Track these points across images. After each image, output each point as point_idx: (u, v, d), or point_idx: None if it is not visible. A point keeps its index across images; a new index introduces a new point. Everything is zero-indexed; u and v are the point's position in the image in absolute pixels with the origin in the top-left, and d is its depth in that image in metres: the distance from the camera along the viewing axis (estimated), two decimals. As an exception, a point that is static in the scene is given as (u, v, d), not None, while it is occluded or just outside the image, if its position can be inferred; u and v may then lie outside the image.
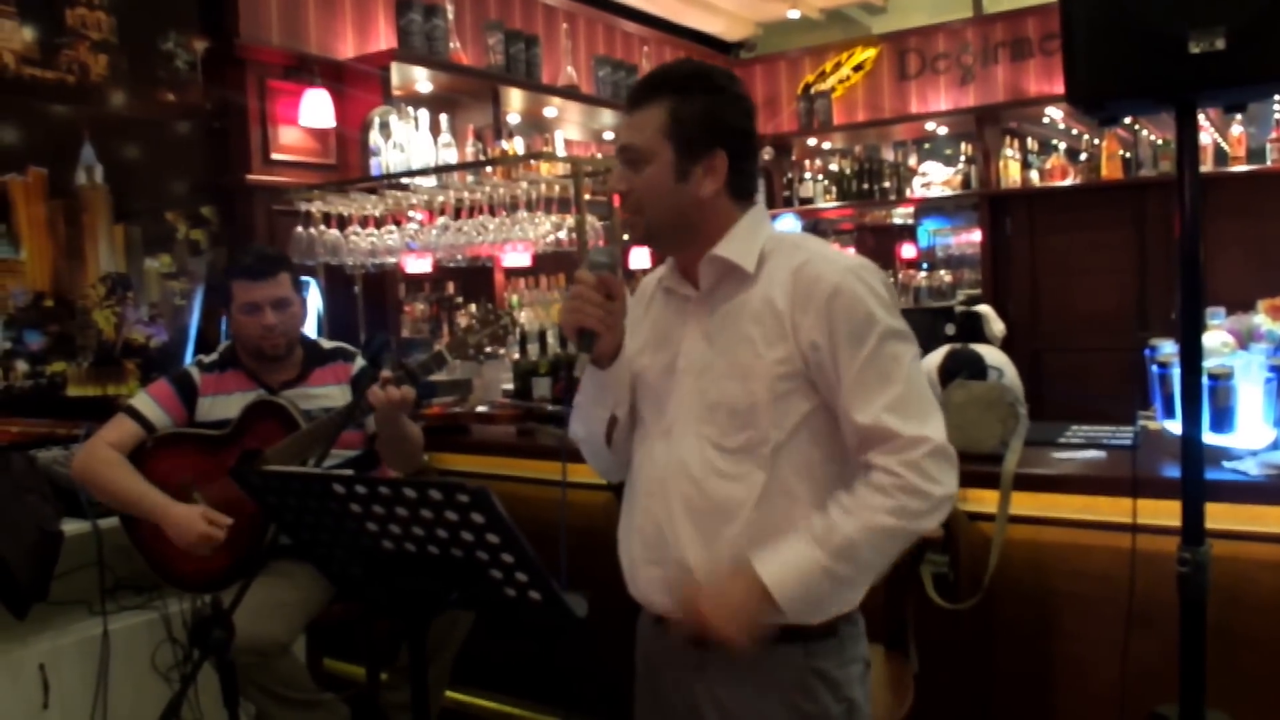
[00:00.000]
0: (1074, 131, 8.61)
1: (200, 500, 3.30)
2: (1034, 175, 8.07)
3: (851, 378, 1.93)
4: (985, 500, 3.16)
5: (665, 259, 2.23)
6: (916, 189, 8.60)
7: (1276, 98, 6.72)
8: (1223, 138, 7.32)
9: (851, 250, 9.55)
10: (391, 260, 5.18)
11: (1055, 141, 8.56)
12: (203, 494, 3.32)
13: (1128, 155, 7.63)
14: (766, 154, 9.11)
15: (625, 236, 2.23)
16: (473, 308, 5.95)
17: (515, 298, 6.16)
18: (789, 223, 8.61)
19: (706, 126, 2.02)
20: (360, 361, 3.62)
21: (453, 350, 3.34)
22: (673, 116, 2.02)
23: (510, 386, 4.51)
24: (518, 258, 5.05)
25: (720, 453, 2.00)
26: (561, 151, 6.85)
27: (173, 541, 3.24)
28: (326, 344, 3.67)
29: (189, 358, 4.95)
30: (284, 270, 3.50)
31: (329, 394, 3.53)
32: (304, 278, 4.17)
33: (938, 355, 5.62)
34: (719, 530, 1.98)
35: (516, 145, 6.17)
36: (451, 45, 6.22)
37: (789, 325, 1.96)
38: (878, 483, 1.89)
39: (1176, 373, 2.77)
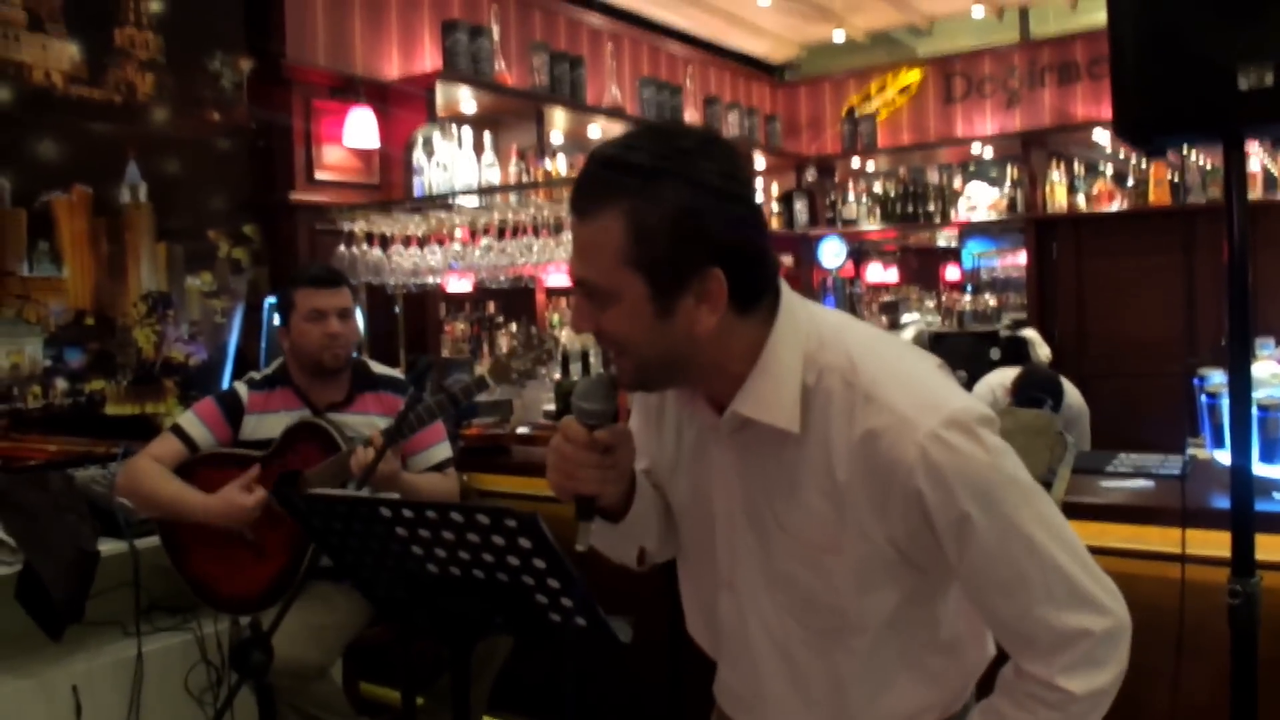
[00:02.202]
0: (1121, 155, 8.53)
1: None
2: (1080, 199, 8.01)
3: (968, 575, 1.53)
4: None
5: None
6: (961, 212, 8.54)
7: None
8: (1272, 163, 7.23)
9: (894, 274, 9.48)
10: (433, 280, 5.17)
11: (1102, 166, 8.49)
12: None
13: (1175, 180, 7.55)
14: (810, 175, 9.08)
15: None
16: (514, 327, 5.93)
17: (556, 317, 6.15)
18: (834, 246, 8.54)
19: (687, 237, 1.44)
20: (401, 400, 3.51)
21: (494, 375, 3.31)
22: (634, 233, 1.44)
23: (552, 407, 4.48)
24: (560, 277, 5.03)
25: (806, 629, 1.64)
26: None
27: (225, 527, 3.23)
28: (377, 369, 3.63)
29: (227, 377, 4.96)
30: (346, 285, 3.52)
31: (373, 424, 3.44)
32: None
33: (1007, 373, 5.60)
34: (817, 699, 1.67)
35: (560, 165, 6.16)
36: (496, 66, 6.22)
37: (865, 513, 1.52)
38: (1047, 700, 1.53)
39: (1226, 403, 2.72)
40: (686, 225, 1.44)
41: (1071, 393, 5.52)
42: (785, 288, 1.59)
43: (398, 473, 3.27)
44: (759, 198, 1.58)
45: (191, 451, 3.39)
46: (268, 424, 3.44)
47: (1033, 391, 5.19)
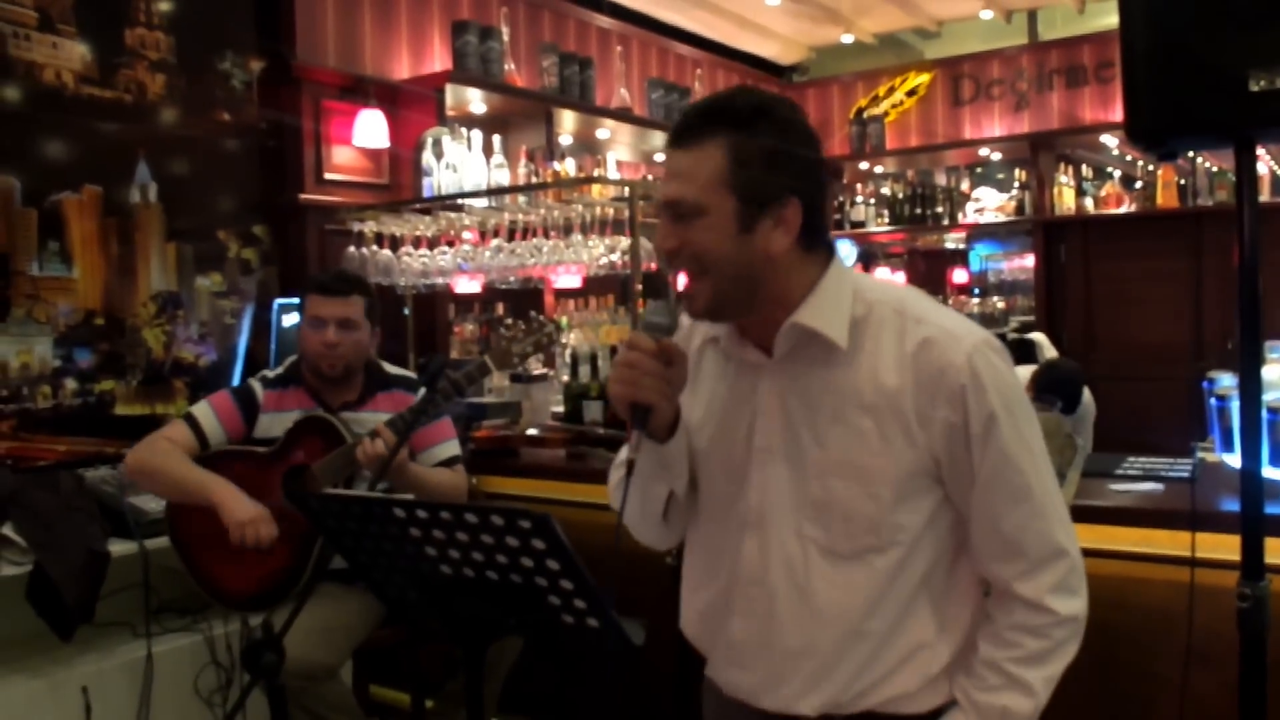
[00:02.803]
0: (1129, 158, 8.53)
1: None
2: (1089, 202, 8.02)
3: (985, 478, 1.72)
4: (1044, 532, 3.10)
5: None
6: (969, 214, 8.54)
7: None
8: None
9: (901, 278, 9.51)
10: (442, 281, 5.17)
11: (1110, 169, 8.48)
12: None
13: (1184, 183, 7.55)
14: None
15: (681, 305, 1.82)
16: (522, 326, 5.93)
17: (565, 319, 6.14)
18: (845, 249, 8.56)
19: (777, 167, 1.70)
20: (423, 391, 3.53)
21: (496, 359, 3.31)
22: (734, 157, 1.69)
23: (560, 409, 4.48)
24: (569, 279, 5.03)
25: (829, 559, 1.77)
26: (613, 173, 6.86)
27: (225, 524, 3.21)
28: (391, 369, 3.65)
29: (237, 378, 4.97)
30: (359, 294, 3.49)
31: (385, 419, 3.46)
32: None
33: (1020, 372, 5.56)
34: (832, 642, 1.79)
35: (568, 166, 6.17)
36: (506, 67, 6.23)
37: (914, 422, 1.71)
38: (1032, 626, 1.74)
39: (1236, 406, 2.72)
40: (777, 158, 1.70)
41: (1087, 395, 5.53)
42: (841, 255, 1.84)
43: (406, 462, 3.28)
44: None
45: (201, 445, 3.39)
46: (281, 423, 3.45)
47: (1056, 386, 5.20)
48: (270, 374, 3.58)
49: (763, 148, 1.70)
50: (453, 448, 3.58)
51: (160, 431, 3.42)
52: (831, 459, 1.75)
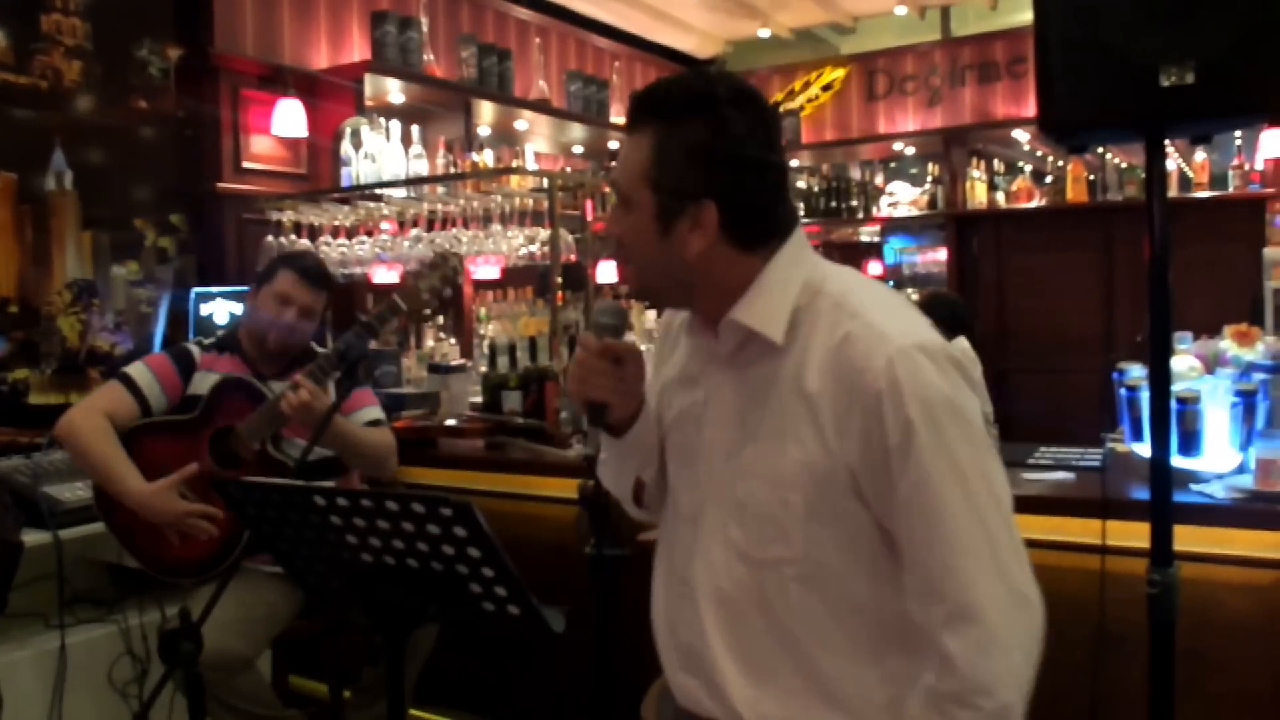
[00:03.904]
0: (1040, 154, 8.69)
1: (188, 495, 3.25)
2: (1000, 197, 8.15)
3: (902, 500, 1.56)
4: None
5: None
6: (883, 208, 8.65)
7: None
8: (1186, 164, 7.41)
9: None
10: (360, 271, 5.16)
11: (1021, 164, 8.63)
12: (186, 484, 3.26)
13: (1093, 179, 7.70)
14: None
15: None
16: (440, 319, 5.93)
17: (483, 310, 6.15)
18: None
19: (692, 168, 1.64)
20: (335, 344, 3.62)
21: (404, 297, 3.32)
22: (656, 154, 1.66)
23: (479, 399, 4.49)
24: (487, 270, 5.04)
25: (749, 567, 1.68)
26: (532, 164, 6.87)
27: (152, 522, 3.21)
28: (318, 349, 3.66)
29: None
30: (327, 291, 3.56)
31: None
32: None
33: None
34: (761, 662, 1.69)
35: (487, 158, 6.17)
36: (425, 58, 6.21)
37: (829, 427, 1.59)
38: (939, 694, 1.55)
39: (1145, 396, 2.79)
40: (695, 159, 1.63)
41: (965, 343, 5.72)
42: (800, 238, 1.74)
43: (335, 417, 3.20)
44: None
45: (143, 410, 3.37)
46: (212, 381, 3.43)
47: (932, 308, 5.33)
48: (205, 340, 3.58)
49: (685, 144, 1.64)
50: (377, 411, 3.61)
51: (97, 398, 3.37)
52: (757, 457, 1.68)
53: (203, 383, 3.44)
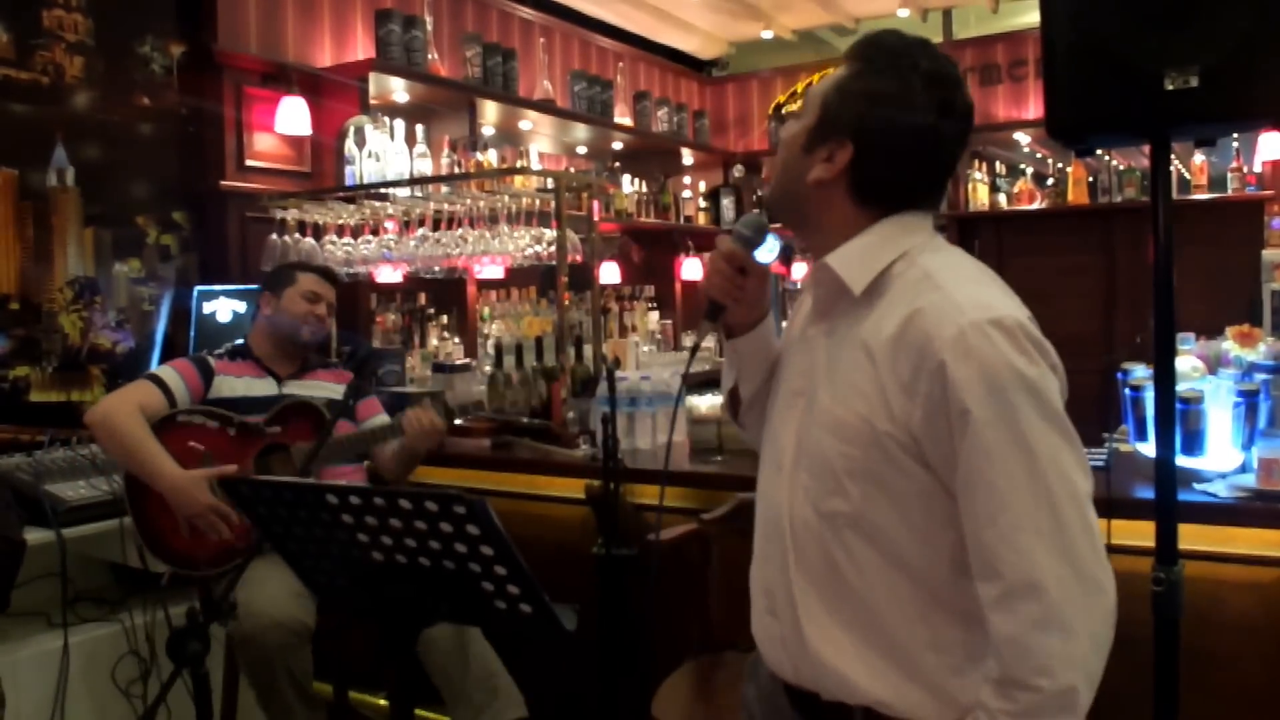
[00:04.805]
0: (1040, 156, 8.69)
1: (217, 492, 3.26)
2: (1002, 199, 8.15)
3: (965, 474, 1.55)
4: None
5: None
6: (886, 209, 8.62)
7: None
8: (1185, 167, 7.42)
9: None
10: (365, 270, 5.16)
11: (1023, 166, 8.64)
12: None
13: (1094, 180, 7.72)
14: (737, 172, 9.14)
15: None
16: (444, 319, 5.93)
17: (487, 310, 6.15)
18: (769, 242, 8.59)
19: (851, 109, 1.71)
20: (350, 375, 3.83)
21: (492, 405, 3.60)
22: (840, 82, 1.75)
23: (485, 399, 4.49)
24: (492, 270, 5.04)
25: (816, 514, 1.69)
26: (536, 164, 6.86)
27: (174, 512, 3.25)
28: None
29: (155, 364, 4.91)
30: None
31: (331, 388, 3.69)
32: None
33: None
34: (829, 606, 1.70)
35: (491, 157, 6.17)
36: (429, 56, 6.20)
37: (895, 390, 1.60)
38: (998, 678, 1.54)
39: (1149, 396, 2.80)
40: (862, 104, 1.70)
41: None
42: (925, 217, 1.78)
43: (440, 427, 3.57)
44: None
45: (169, 401, 3.43)
46: (231, 384, 3.56)
47: None
48: (215, 350, 3.68)
49: (862, 87, 1.71)
50: (385, 419, 3.75)
51: (128, 392, 3.42)
52: (829, 406, 1.69)
53: (223, 386, 3.55)
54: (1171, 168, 6.76)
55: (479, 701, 3.24)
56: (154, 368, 3.67)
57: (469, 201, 4.88)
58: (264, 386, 3.61)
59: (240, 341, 3.73)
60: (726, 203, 8.95)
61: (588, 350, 4.54)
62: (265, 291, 3.71)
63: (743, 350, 1.97)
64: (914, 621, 1.64)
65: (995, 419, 1.51)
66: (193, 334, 4.78)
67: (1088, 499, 1.55)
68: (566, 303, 4.43)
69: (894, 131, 1.70)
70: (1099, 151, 7.40)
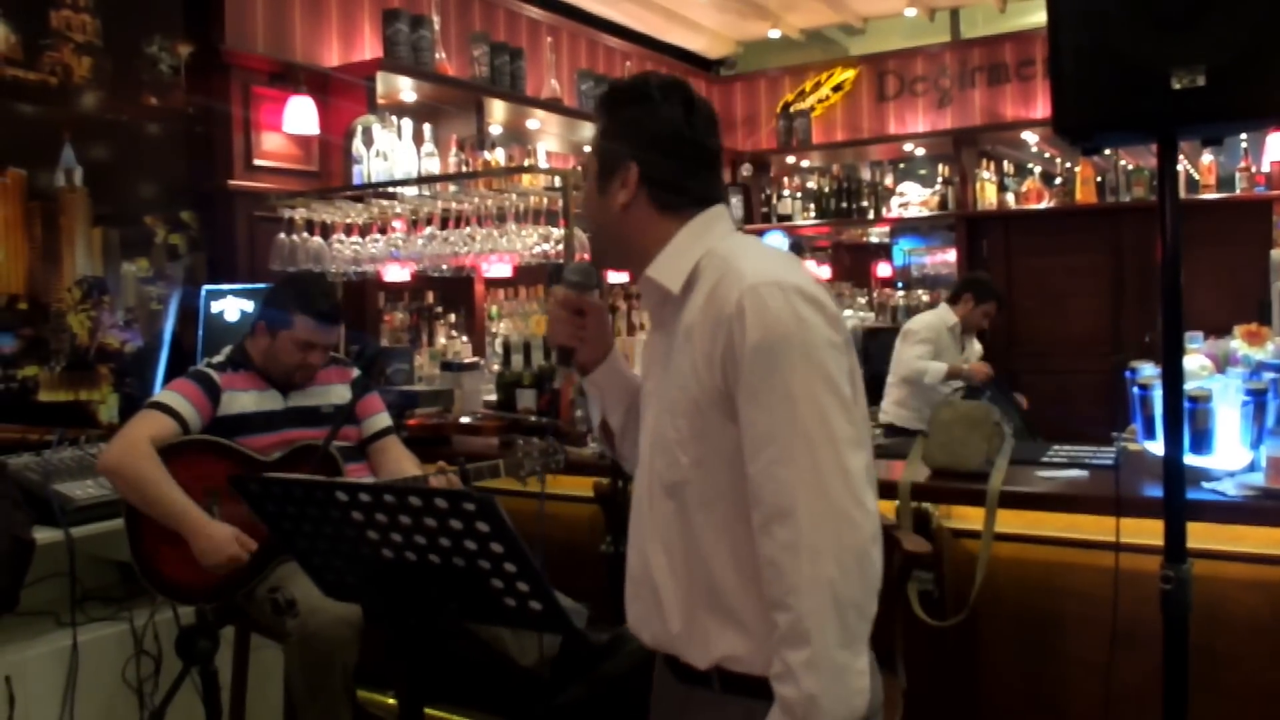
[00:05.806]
0: (1048, 155, 8.69)
1: (218, 514, 3.25)
2: (1010, 198, 8.14)
3: (742, 414, 1.72)
4: (970, 518, 3.18)
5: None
6: (894, 209, 8.64)
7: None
8: (1193, 166, 7.41)
9: (826, 271, 9.59)
10: (373, 268, 5.16)
11: (1031, 165, 8.63)
12: (222, 509, 3.26)
13: (1101, 180, 7.71)
14: (745, 171, 9.14)
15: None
16: (452, 317, 5.93)
17: (495, 308, 6.15)
18: (775, 240, 8.63)
19: (621, 138, 1.93)
20: (355, 371, 3.80)
21: (507, 468, 3.49)
22: (600, 131, 1.99)
23: (493, 397, 4.49)
24: (500, 268, 5.04)
25: (664, 491, 1.84)
26: (543, 163, 6.86)
27: (197, 558, 3.19)
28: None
29: (163, 364, 4.92)
30: (341, 320, 3.72)
31: (336, 390, 3.67)
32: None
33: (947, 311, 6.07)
34: (681, 579, 1.83)
35: (498, 156, 6.17)
36: (437, 56, 6.21)
37: (700, 357, 1.76)
38: (772, 598, 1.68)
39: (1158, 394, 2.80)
40: (624, 129, 1.93)
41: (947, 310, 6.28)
42: (719, 213, 1.95)
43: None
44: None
45: (181, 426, 3.37)
46: (240, 400, 3.50)
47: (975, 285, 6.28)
48: (214, 360, 3.58)
49: (620, 122, 1.95)
50: (386, 419, 3.78)
51: (137, 428, 3.33)
52: (665, 394, 1.87)
53: (232, 403, 3.49)
54: (1179, 168, 6.77)
55: None
56: (157, 393, 3.52)
57: (476, 200, 4.88)
58: (271, 400, 3.55)
59: (237, 347, 3.63)
60: (735, 201, 8.96)
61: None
62: (262, 321, 3.57)
63: (600, 382, 2.14)
64: (749, 581, 1.75)
65: (764, 366, 1.68)
66: (200, 333, 4.78)
67: (847, 443, 1.68)
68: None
69: (660, 136, 1.91)
70: (1107, 151, 7.41)
